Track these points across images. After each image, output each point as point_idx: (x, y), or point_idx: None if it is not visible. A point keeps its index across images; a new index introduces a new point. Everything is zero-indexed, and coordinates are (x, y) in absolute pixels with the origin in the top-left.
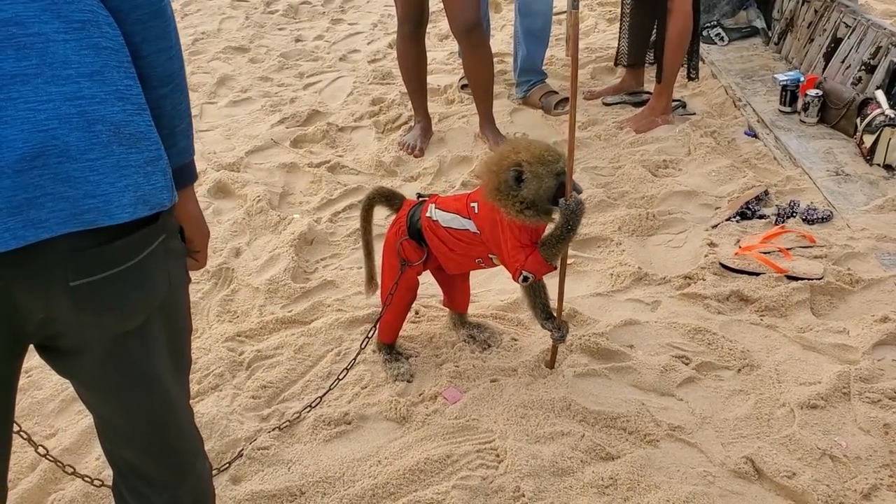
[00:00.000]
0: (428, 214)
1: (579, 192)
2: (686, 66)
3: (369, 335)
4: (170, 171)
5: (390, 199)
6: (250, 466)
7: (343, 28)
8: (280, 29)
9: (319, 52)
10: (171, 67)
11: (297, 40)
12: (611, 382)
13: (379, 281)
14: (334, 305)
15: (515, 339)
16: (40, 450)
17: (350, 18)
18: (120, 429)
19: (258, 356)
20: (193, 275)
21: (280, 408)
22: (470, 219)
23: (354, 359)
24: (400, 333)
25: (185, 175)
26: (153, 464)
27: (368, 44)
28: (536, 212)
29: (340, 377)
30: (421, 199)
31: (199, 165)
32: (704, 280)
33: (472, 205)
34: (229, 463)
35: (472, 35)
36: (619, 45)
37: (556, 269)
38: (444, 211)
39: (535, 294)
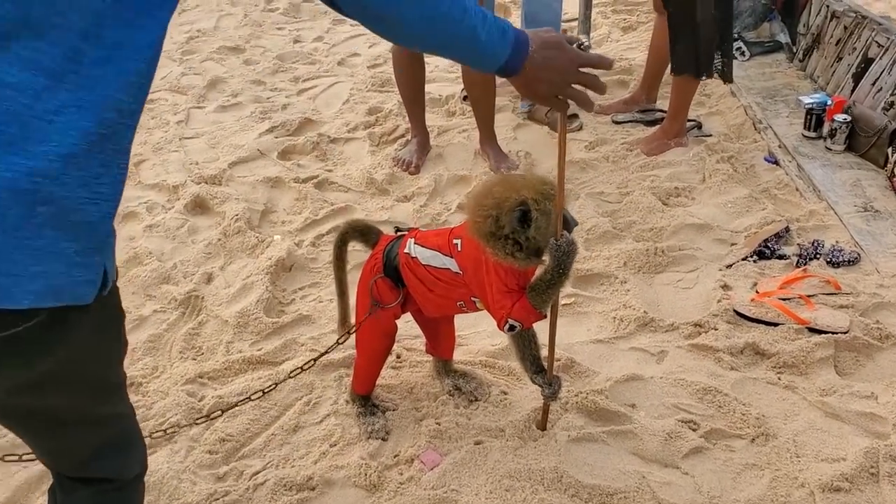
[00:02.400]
0: (406, 250)
1: (575, 224)
2: (721, 66)
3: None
4: (106, 264)
5: (365, 233)
6: None
7: (345, 29)
8: (279, 28)
9: (317, 54)
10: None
11: (296, 41)
12: (609, 449)
13: (353, 322)
14: (308, 345)
15: (505, 393)
16: None
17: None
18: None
19: (219, 403)
20: (159, 302)
21: (238, 465)
22: (452, 257)
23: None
24: (378, 381)
25: (515, 59)
26: (86, 473)
27: (370, 47)
28: (527, 254)
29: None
30: (399, 233)
31: (179, 177)
32: (716, 329)
33: (454, 241)
34: None
35: None
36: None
37: (546, 317)
38: (423, 247)
39: (524, 344)
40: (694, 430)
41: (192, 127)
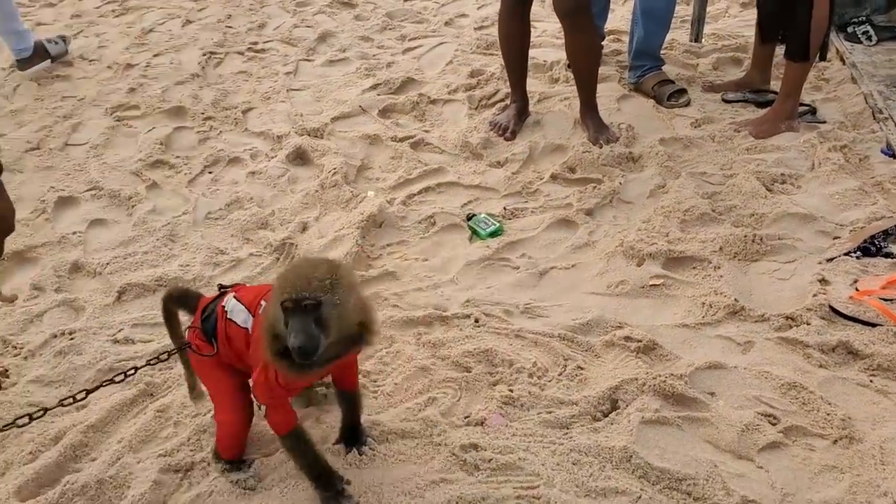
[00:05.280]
0: (223, 303)
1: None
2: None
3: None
4: None
5: (183, 300)
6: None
7: None
8: None
9: (426, 13)
10: None
11: None
12: (682, 435)
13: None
14: (391, 300)
15: (581, 368)
16: None
17: None
18: None
19: None
20: (255, 246)
21: (315, 410)
22: (252, 317)
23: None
24: (459, 343)
25: None
26: None
27: (478, 8)
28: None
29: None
30: (222, 290)
31: (283, 127)
32: (809, 324)
33: (262, 302)
34: None
35: (576, 17)
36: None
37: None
38: (238, 301)
39: (295, 455)
40: (773, 424)
41: (300, 79)
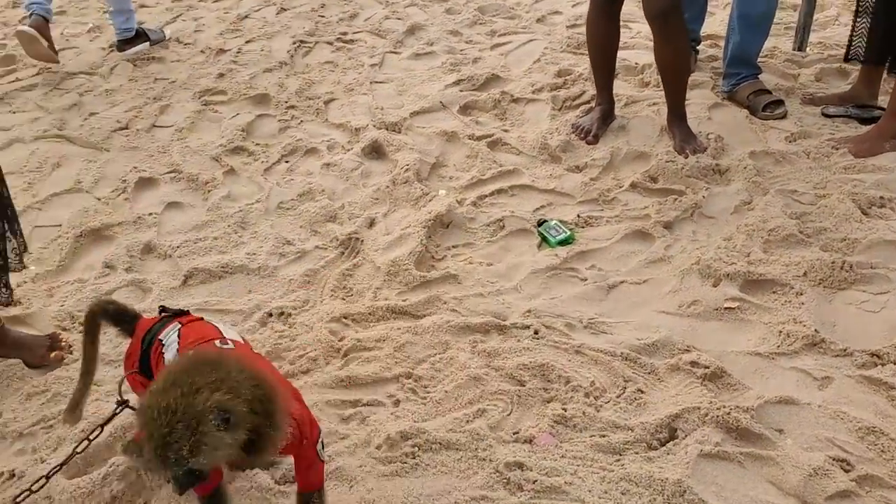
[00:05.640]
0: (161, 336)
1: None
2: None
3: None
4: None
5: (118, 317)
6: None
7: None
8: None
9: (519, 9)
10: None
11: None
12: (744, 473)
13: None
14: (451, 304)
15: (642, 392)
16: None
17: None
18: None
19: (357, 346)
20: (322, 239)
21: (364, 411)
22: None
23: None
24: (515, 355)
25: None
26: None
27: (573, 6)
28: None
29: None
30: (165, 315)
31: (362, 120)
32: None
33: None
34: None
35: (666, 20)
36: (851, 35)
37: None
38: (177, 339)
39: None
40: (846, 471)
41: (385, 72)
